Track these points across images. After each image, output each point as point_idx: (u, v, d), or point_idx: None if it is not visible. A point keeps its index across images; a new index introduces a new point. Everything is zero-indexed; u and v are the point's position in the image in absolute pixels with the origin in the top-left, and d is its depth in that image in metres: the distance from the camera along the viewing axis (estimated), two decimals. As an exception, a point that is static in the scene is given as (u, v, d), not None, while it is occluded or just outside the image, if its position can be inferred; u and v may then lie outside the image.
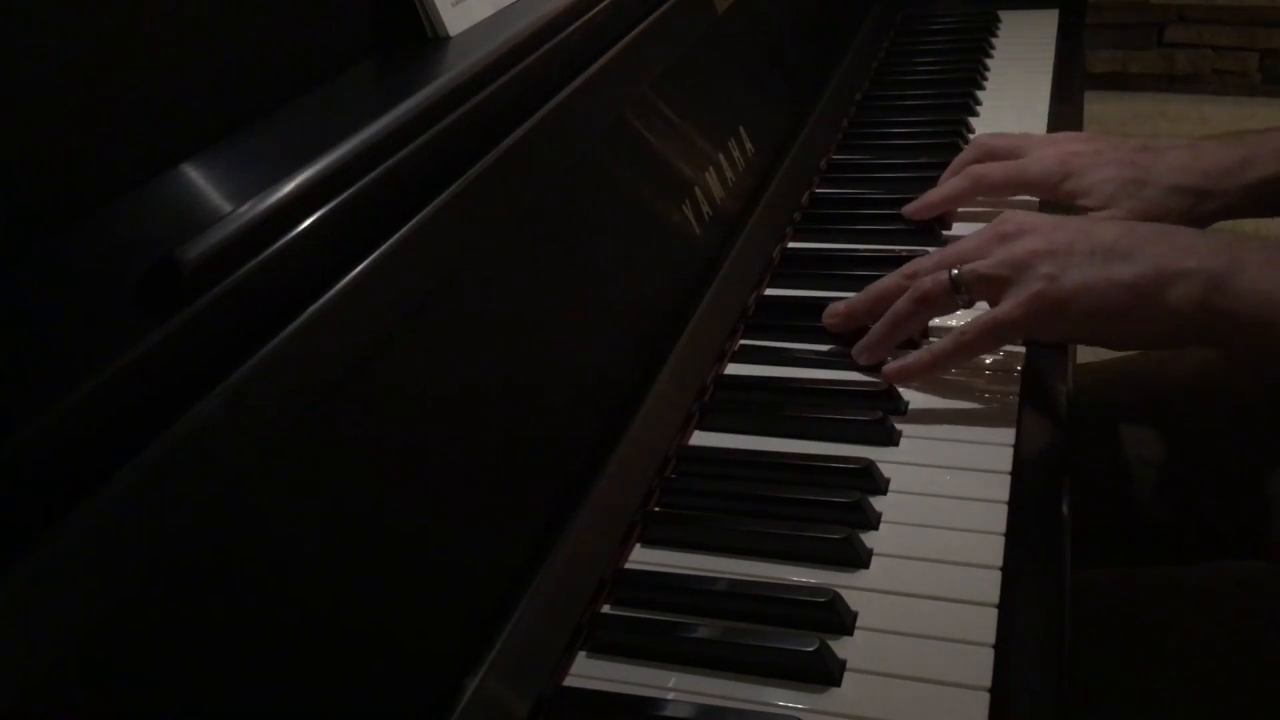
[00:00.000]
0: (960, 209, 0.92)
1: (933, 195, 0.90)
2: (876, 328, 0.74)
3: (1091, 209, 0.82)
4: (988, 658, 0.53)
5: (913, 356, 0.71)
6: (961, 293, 0.70)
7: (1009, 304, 0.67)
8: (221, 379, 0.40)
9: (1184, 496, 0.86)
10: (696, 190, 0.80)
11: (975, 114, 1.13)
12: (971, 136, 1.07)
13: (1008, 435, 0.68)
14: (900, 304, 0.72)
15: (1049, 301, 0.66)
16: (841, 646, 0.54)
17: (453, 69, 0.58)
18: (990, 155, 0.91)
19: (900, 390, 0.72)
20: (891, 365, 0.72)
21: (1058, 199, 0.86)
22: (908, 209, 0.90)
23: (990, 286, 0.69)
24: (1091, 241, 0.66)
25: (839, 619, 0.56)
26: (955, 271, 0.70)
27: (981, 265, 0.69)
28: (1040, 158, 0.87)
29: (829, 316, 0.77)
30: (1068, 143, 0.88)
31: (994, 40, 1.32)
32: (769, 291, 0.85)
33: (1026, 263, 0.67)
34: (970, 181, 0.89)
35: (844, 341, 0.77)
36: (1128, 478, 0.88)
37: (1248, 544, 0.83)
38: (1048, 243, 0.67)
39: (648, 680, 0.54)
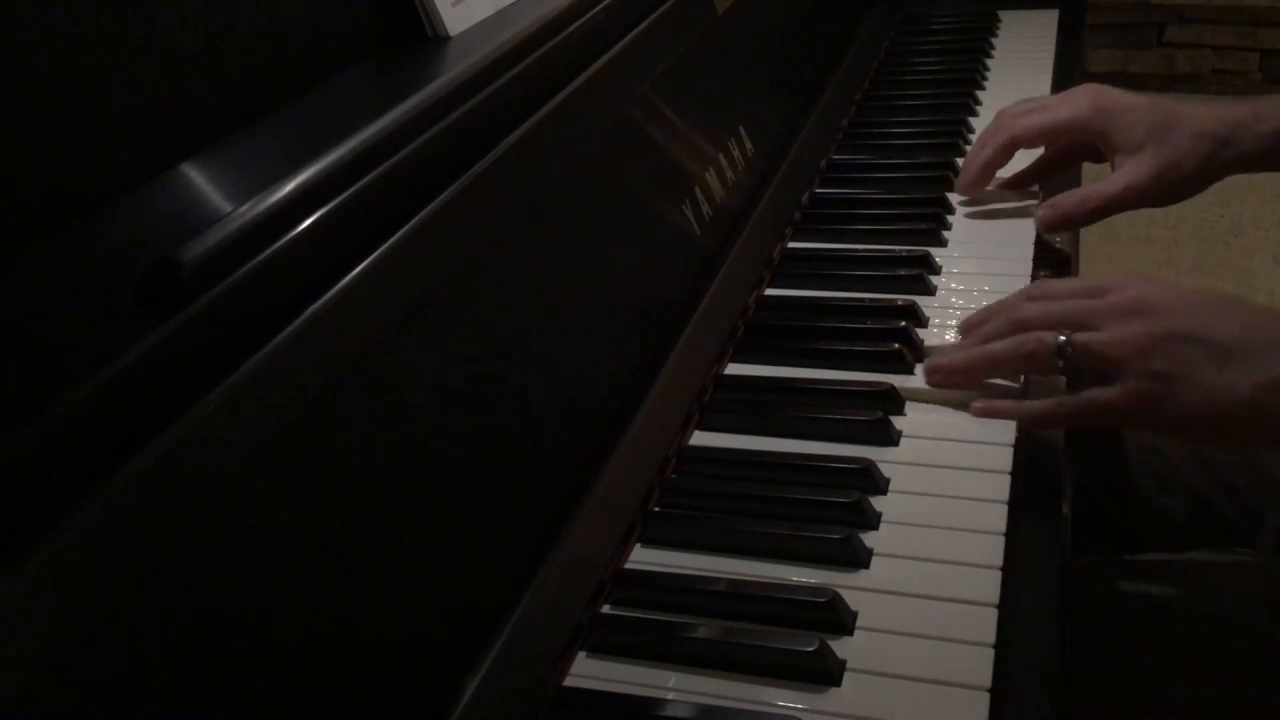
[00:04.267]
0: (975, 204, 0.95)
1: (975, 169, 0.93)
2: (964, 357, 0.71)
3: (1119, 152, 0.87)
4: (988, 658, 0.53)
5: (1002, 405, 0.69)
6: (1066, 359, 0.67)
7: (1115, 393, 0.64)
8: (221, 379, 0.40)
9: (1183, 484, 0.86)
10: (696, 190, 0.80)
11: (975, 114, 1.13)
12: (972, 137, 1.07)
13: (1008, 435, 0.68)
14: (1004, 350, 0.70)
15: (1157, 405, 0.63)
16: (841, 646, 0.54)
17: (453, 69, 0.58)
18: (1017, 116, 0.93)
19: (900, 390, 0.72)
20: (980, 405, 0.70)
21: (1088, 137, 0.90)
22: (960, 188, 0.95)
23: (1097, 363, 0.66)
24: (1213, 334, 0.63)
25: (839, 619, 0.56)
26: (1064, 338, 0.67)
27: (1095, 341, 0.66)
28: (1071, 100, 0.90)
29: (933, 373, 0.73)
30: (1093, 87, 0.91)
31: (994, 40, 1.32)
32: (769, 291, 0.85)
33: (1143, 350, 0.64)
34: (1006, 141, 0.92)
35: (844, 341, 0.77)
36: (1126, 464, 0.88)
37: (1246, 532, 0.84)
38: (1166, 329, 0.64)
39: (648, 680, 0.54)
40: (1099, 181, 0.89)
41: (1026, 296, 0.73)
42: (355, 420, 0.47)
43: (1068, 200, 0.89)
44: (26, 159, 0.44)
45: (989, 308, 0.75)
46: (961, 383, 0.71)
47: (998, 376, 0.72)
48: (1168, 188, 0.85)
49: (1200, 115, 0.85)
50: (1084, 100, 0.90)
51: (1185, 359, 0.62)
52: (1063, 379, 0.69)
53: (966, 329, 0.75)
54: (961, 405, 0.70)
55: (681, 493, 0.66)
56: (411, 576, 0.48)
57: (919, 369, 0.74)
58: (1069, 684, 0.53)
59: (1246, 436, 0.64)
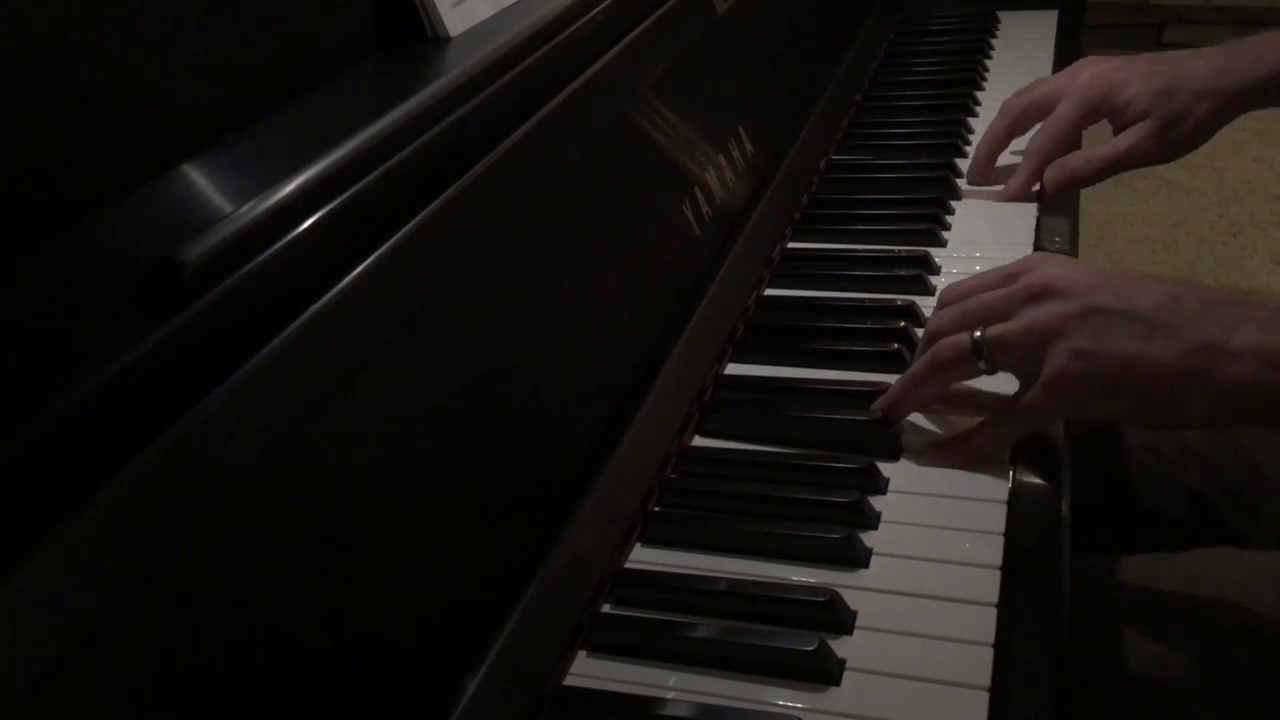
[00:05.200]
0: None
1: (1015, 183, 0.95)
2: (892, 389, 0.68)
3: (1129, 122, 0.89)
4: (987, 657, 0.53)
5: (950, 446, 0.66)
6: (984, 358, 0.64)
7: (1037, 389, 0.62)
8: (223, 379, 0.40)
9: (1182, 483, 0.87)
10: (696, 190, 0.80)
11: (974, 114, 1.13)
12: (972, 138, 1.07)
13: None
14: (918, 367, 0.67)
15: (1079, 379, 0.60)
16: (841, 646, 0.55)
17: (453, 70, 0.58)
18: (1024, 116, 0.95)
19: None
20: (931, 453, 0.66)
21: (1099, 119, 0.92)
22: (971, 179, 0.98)
23: (1016, 355, 0.63)
24: (1131, 306, 0.60)
25: (838, 618, 0.56)
26: (978, 335, 0.64)
27: (1009, 331, 0.63)
28: (1073, 97, 0.92)
29: (879, 409, 0.69)
30: (1090, 66, 0.93)
31: (993, 41, 1.32)
32: (769, 291, 0.85)
33: (1058, 330, 0.61)
34: (1034, 165, 0.93)
35: (843, 341, 0.77)
36: (1125, 463, 0.89)
37: (1244, 531, 0.84)
38: (1081, 306, 0.61)
39: (648, 680, 0.54)
40: (1103, 143, 0.91)
41: (939, 304, 0.70)
42: (356, 420, 0.47)
43: (1074, 160, 0.91)
44: (27, 159, 0.44)
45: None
46: (901, 413, 0.68)
47: (927, 398, 0.68)
48: (1171, 146, 0.88)
49: (1200, 72, 0.87)
50: (1084, 90, 0.91)
51: (1106, 334, 0.60)
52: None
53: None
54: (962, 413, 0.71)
55: (681, 492, 0.66)
56: (412, 576, 0.48)
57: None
58: (1069, 684, 0.53)
59: (1179, 411, 0.60)
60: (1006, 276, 0.66)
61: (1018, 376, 0.65)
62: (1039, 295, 0.63)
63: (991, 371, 0.65)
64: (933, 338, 0.67)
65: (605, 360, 0.66)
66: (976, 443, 0.66)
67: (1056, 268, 0.64)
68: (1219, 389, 0.58)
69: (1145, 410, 0.61)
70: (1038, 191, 0.94)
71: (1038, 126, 0.95)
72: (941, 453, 0.66)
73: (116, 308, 0.41)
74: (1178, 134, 0.87)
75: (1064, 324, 0.61)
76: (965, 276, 0.84)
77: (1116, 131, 0.91)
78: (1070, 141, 0.93)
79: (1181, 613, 0.71)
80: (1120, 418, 0.68)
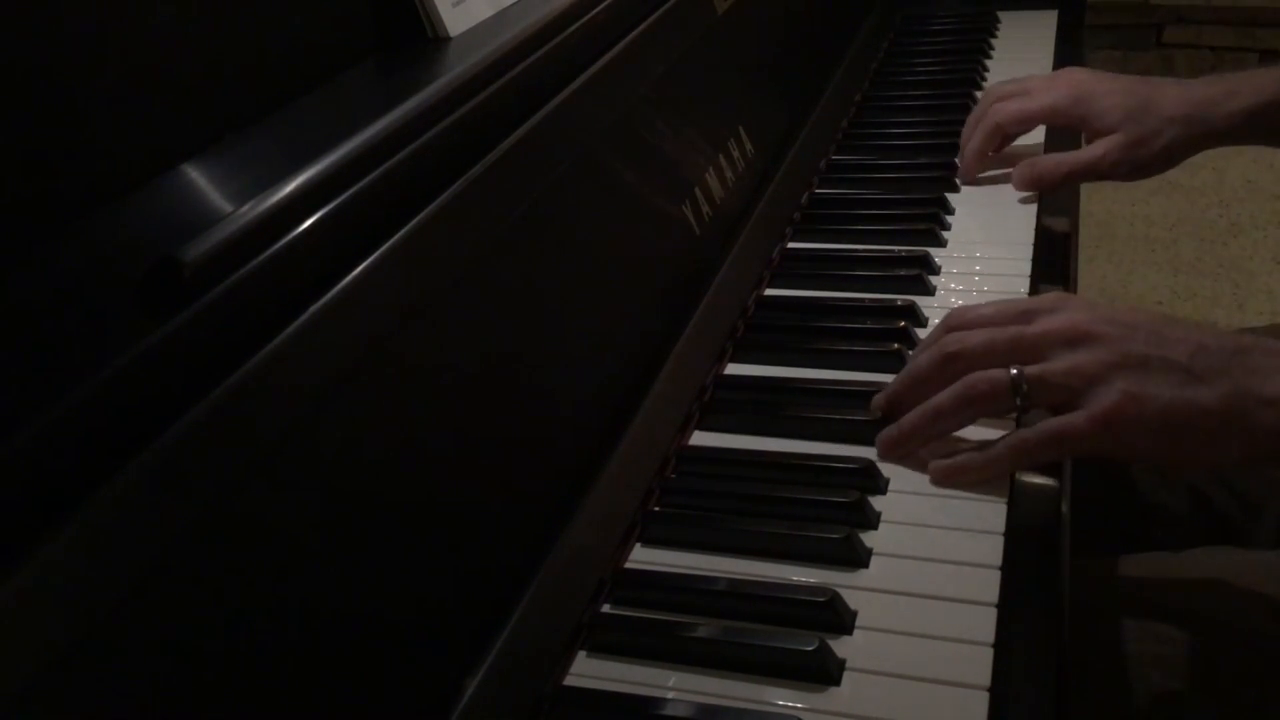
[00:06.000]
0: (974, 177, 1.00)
1: (968, 158, 0.99)
2: (910, 419, 0.66)
3: (1099, 132, 0.92)
4: (987, 657, 0.53)
5: (963, 459, 0.64)
6: (1023, 395, 0.63)
7: (1081, 418, 0.61)
8: (222, 379, 0.40)
9: (1183, 480, 0.87)
10: (696, 190, 0.80)
11: (975, 114, 1.13)
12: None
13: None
14: (945, 399, 0.65)
15: (1126, 420, 0.61)
16: (841, 646, 0.55)
17: (453, 70, 0.58)
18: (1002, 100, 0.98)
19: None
20: (939, 465, 0.65)
21: (1070, 122, 0.95)
22: (962, 178, 0.99)
23: (1056, 396, 0.63)
24: (1165, 353, 0.61)
25: (838, 618, 0.56)
26: (1016, 372, 0.63)
27: (1050, 372, 0.62)
28: (1052, 88, 0.95)
29: (884, 451, 0.67)
30: (1074, 74, 0.97)
31: (993, 41, 1.32)
32: (769, 291, 0.85)
33: (1100, 376, 0.61)
34: (992, 127, 0.97)
35: (843, 341, 0.77)
36: (1125, 462, 0.89)
37: (1245, 528, 0.84)
38: (1120, 354, 0.62)
39: (648, 680, 0.54)
40: (1076, 150, 0.95)
41: (947, 328, 0.68)
42: (355, 421, 0.47)
43: (1044, 162, 0.95)
44: (27, 159, 0.44)
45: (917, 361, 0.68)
46: (913, 446, 0.66)
47: (947, 431, 0.66)
48: (1137, 164, 0.91)
49: (1173, 98, 0.90)
50: (1063, 88, 0.94)
51: (1150, 380, 0.61)
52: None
53: (900, 391, 0.68)
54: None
55: (681, 493, 0.66)
56: (412, 576, 0.48)
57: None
58: (1068, 683, 0.53)
59: (1216, 453, 0.62)
60: (1024, 314, 0.66)
61: (1051, 413, 0.64)
62: (1073, 341, 0.63)
63: (1026, 410, 0.64)
64: (954, 359, 0.65)
65: (605, 360, 0.66)
66: (992, 458, 0.64)
67: (1081, 313, 0.64)
68: (1254, 435, 0.60)
69: (1183, 452, 0.62)
70: (1037, 191, 0.95)
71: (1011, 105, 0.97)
72: (958, 472, 0.64)
73: (116, 307, 0.41)
74: (1146, 153, 0.90)
75: (1106, 371, 0.61)
76: (966, 280, 0.85)
77: (1088, 142, 0.93)
78: (1027, 127, 0.98)
79: (1182, 612, 0.71)
80: (1157, 458, 0.68)
